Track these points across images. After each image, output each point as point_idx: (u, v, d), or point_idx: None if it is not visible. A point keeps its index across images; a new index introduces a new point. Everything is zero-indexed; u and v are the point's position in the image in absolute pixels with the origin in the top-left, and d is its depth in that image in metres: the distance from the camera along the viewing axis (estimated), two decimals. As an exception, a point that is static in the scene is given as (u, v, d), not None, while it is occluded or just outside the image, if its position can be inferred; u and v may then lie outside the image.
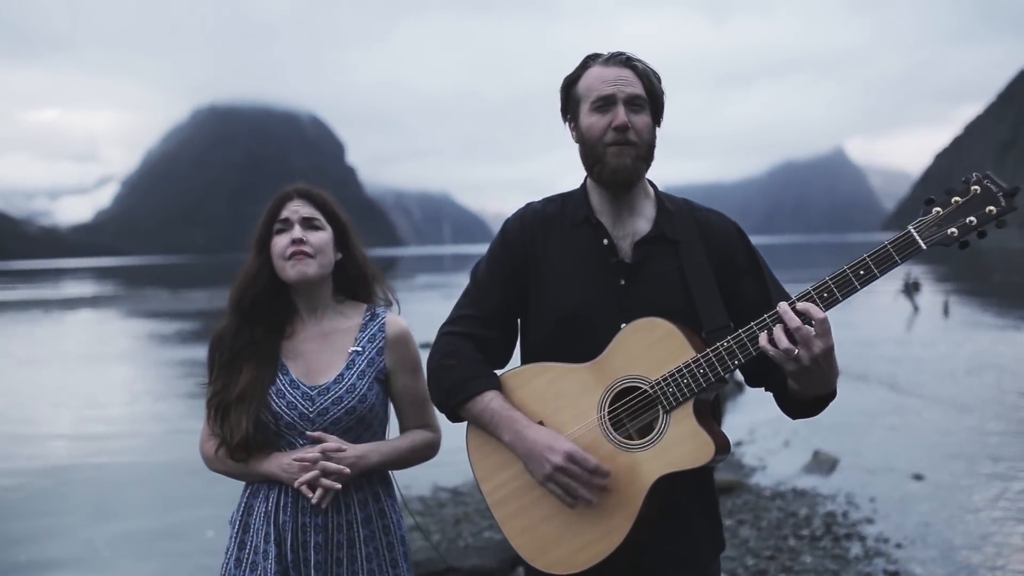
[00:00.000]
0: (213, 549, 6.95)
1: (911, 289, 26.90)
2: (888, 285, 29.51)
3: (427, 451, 2.46)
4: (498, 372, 2.20)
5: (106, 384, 16.72)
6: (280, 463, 2.27)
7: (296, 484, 2.23)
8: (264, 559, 2.27)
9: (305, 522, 2.27)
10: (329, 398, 2.30)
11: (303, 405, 2.29)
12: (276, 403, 2.29)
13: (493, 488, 2.13)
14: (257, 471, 2.31)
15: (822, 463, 8.69)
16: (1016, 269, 53.60)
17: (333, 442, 2.27)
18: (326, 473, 2.23)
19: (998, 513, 7.12)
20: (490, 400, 2.10)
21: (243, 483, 2.41)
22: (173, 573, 6.56)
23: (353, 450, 2.29)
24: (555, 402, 2.09)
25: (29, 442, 11.32)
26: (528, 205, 2.29)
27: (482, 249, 2.31)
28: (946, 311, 24.85)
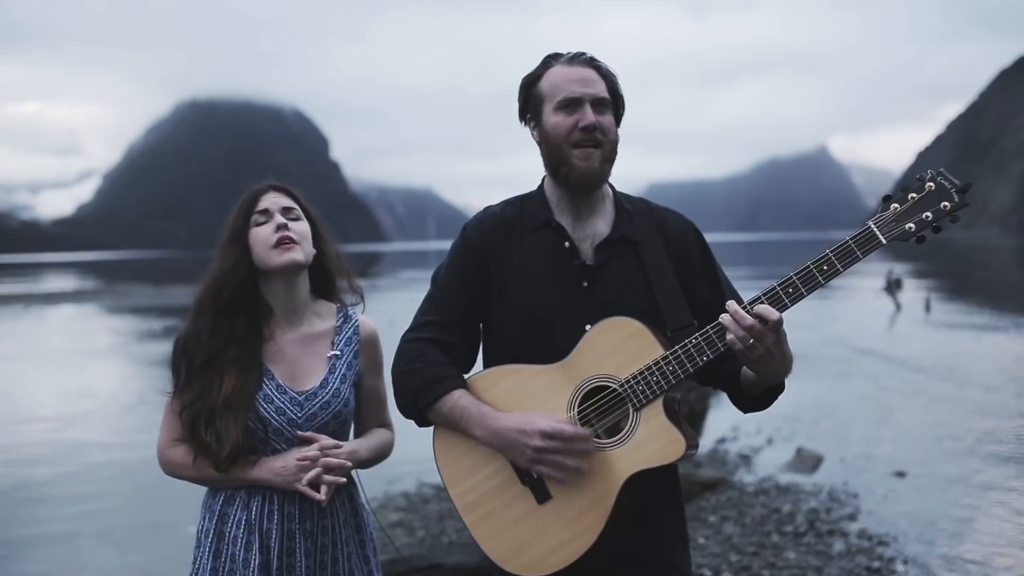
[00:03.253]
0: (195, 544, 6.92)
1: (893, 287, 27.03)
2: (870, 283, 29.69)
3: (390, 449, 2.46)
4: (464, 376, 2.20)
5: (88, 380, 16.59)
6: (272, 468, 2.21)
7: (300, 484, 2.18)
8: (244, 567, 2.21)
9: (292, 529, 2.24)
10: (316, 403, 2.27)
11: (291, 410, 2.26)
12: (264, 408, 2.24)
13: (462, 492, 2.12)
14: (242, 478, 2.23)
15: (805, 460, 8.72)
16: (997, 267, 54.01)
17: (328, 439, 2.25)
18: (328, 470, 2.20)
19: (981, 510, 7.17)
20: (459, 398, 2.09)
21: (206, 490, 2.34)
22: (155, 568, 6.53)
23: (346, 446, 2.28)
24: (524, 404, 2.09)
25: (9, 437, 11.23)
26: (487, 209, 2.29)
27: (453, 241, 2.30)
28: (928, 308, 25.02)
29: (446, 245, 2.28)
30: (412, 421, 2.24)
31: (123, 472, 9.37)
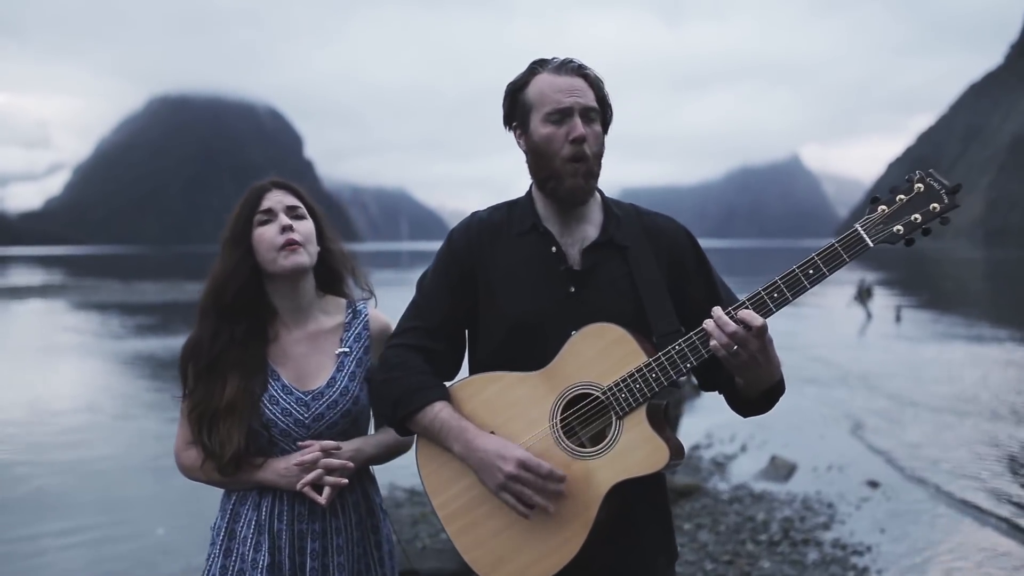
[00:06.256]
0: (164, 547, 6.79)
1: (864, 296, 27.26)
2: (841, 292, 29.92)
3: (407, 445, 2.39)
4: (447, 384, 2.15)
5: (54, 377, 16.32)
6: (277, 469, 2.20)
7: (299, 486, 2.16)
8: (253, 567, 2.20)
9: (302, 529, 2.22)
10: (324, 402, 2.23)
11: (298, 411, 2.22)
12: (270, 410, 2.21)
13: (444, 502, 2.08)
14: (249, 480, 2.22)
15: (779, 468, 8.71)
16: (965, 278, 54.72)
17: (328, 442, 2.21)
18: (329, 471, 2.17)
19: (953, 520, 7.19)
20: (439, 411, 2.05)
21: (222, 490, 2.32)
22: (124, 571, 6.39)
23: (348, 445, 2.24)
24: (506, 412, 2.04)
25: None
26: (474, 214, 2.26)
27: (440, 246, 2.25)
28: (898, 318, 25.26)
29: (419, 246, 2.22)
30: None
31: (92, 472, 9.19)
